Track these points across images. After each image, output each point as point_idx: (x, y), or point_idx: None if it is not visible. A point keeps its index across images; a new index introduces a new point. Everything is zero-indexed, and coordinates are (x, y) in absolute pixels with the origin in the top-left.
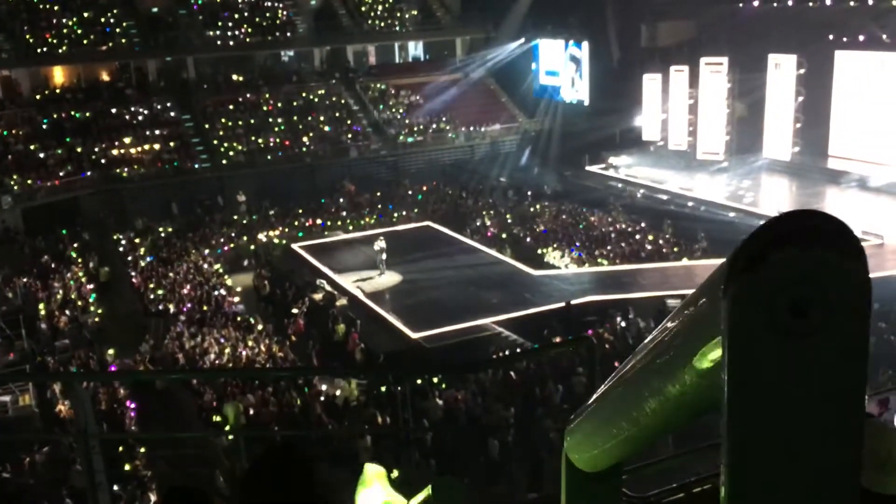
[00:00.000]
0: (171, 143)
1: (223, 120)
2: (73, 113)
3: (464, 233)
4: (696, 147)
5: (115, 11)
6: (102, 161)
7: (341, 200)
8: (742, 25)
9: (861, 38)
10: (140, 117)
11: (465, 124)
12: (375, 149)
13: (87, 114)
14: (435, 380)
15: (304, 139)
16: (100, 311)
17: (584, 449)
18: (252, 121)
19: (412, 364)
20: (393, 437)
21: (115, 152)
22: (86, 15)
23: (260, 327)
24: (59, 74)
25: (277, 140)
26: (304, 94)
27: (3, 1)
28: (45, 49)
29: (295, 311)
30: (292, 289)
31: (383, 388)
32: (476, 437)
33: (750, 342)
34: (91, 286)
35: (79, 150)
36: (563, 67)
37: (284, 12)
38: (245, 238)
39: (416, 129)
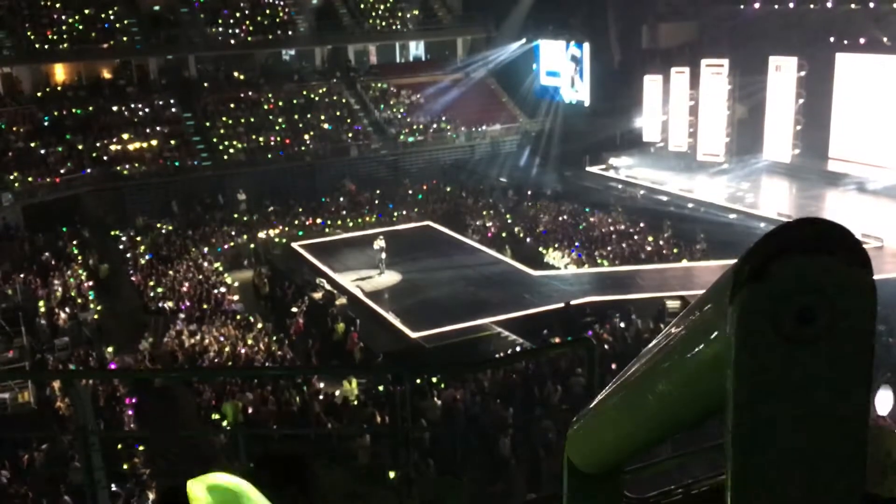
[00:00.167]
0: (172, 141)
1: (224, 118)
2: (73, 110)
3: (464, 233)
4: (697, 148)
5: (116, 9)
6: (103, 158)
7: (341, 199)
8: (743, 27)
9: (862, 40)
10: (141, 115)
11: (466, 124)
12: (376, 148)
13: (89, 110)
14: (434, 379)
15: (305, 138)
16: (99, 308)
17: (586, 451)
18: (253, 119)
19: (412, 364)
20: (392, 436)
21: (115, 150)
22: (87, 12)
23: (259, 326)
24: (60, 72)
25: (278, 139)
26: (304, 93)
27: None
28: (46, 46)
29: (294, 309)
30: (292, 287)
31: (381, 388)
32: (475, 437)
33: (757, 349)
34: (91, 283)
35: (79, 147)
36: (563, 68)
37: (286, 11)
38: (245, 236)
39: (416, 128)
